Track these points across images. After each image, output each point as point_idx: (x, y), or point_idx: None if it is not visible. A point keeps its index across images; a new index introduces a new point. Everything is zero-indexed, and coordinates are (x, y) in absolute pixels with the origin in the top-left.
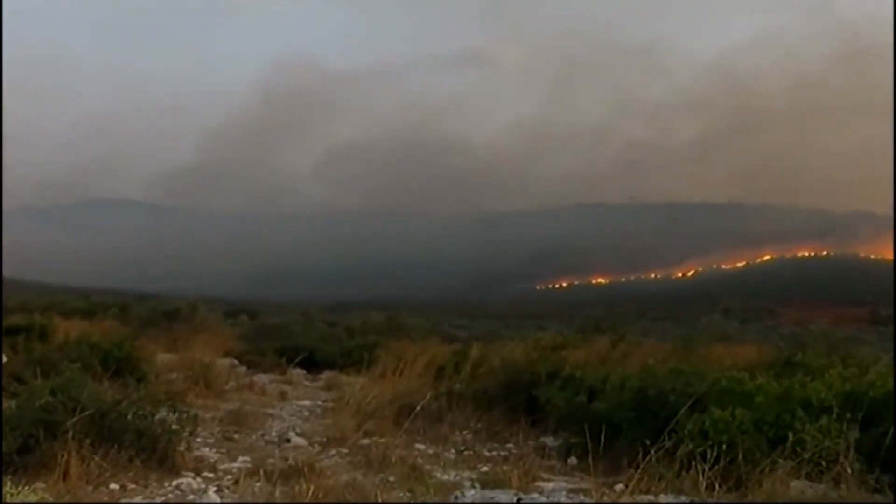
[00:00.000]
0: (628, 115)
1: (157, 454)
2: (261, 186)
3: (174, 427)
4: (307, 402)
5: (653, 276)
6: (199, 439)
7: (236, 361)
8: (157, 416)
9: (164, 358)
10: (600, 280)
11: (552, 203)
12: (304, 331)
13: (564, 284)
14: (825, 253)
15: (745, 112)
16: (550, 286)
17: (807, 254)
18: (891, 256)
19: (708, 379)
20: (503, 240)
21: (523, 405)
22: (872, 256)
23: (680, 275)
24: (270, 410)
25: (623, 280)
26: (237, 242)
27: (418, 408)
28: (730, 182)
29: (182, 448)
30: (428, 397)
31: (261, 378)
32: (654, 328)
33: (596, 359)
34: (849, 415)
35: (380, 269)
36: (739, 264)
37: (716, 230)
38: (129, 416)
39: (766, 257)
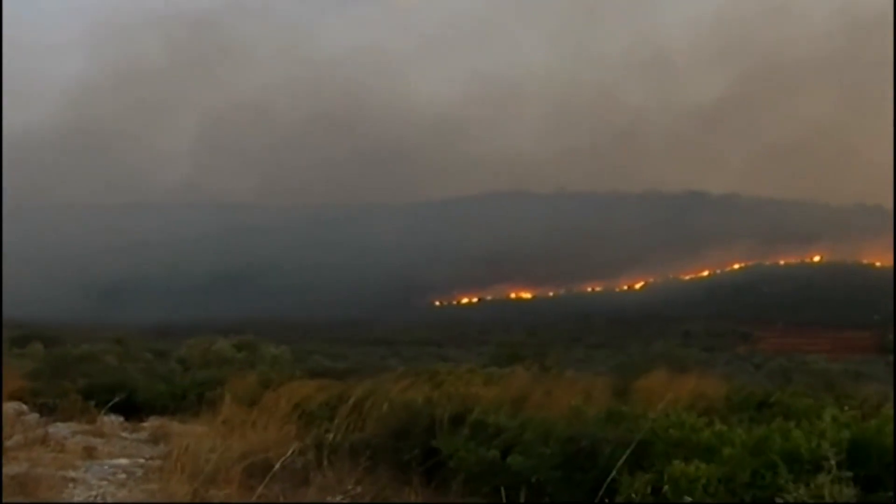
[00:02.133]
0: (601, 76)
1: None
2: (110, 167)
3: None
4: (124, 461)
5: (590, 289)
6: None
7: (24, 407)
8: None
9: None
10: (521, 295)
11: (465, 190)
12: (123, 363)
13: (474, 300)
14: (817, 259)
15: (772, 70)
16: (455, 302)
17: (792, 260)
18: None
19: (657, 425)
20: (399, 240)
21: (418, 460)
22: (878, 264)
23: (626, 287)
24: (72, 473)
25: (551, 295)
26: (47, 244)
27: (277, 466)
28: (727, 166)
29: None
30: (291, 452)
31: (59, 429)
32: (591, 357)
33: (514, 398)
34: (849, 472)
35: (235, 279)
36: (704, 274)
37: (674, 228)
38: None
39: (739, 265)
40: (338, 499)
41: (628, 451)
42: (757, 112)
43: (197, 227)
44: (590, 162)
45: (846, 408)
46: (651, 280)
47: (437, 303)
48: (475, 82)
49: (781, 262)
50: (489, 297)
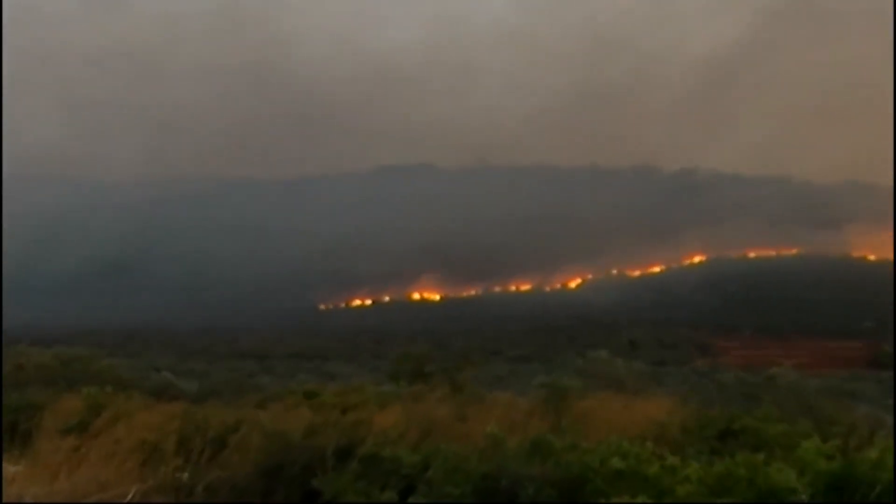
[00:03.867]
0: (588, 21)
1: None
2: None
3: None
4: None
5: (514, 288)
6: None
7: None
8: None
9: None
10: (427, 295)
11: (363, 164)
12: None
13: (368, 302)
14: (794, 252)
15: (793, 15)
16: (344, 305)
17: (765, 252)
18: None
19: (593, 457)
20: (273, 225)
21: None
22: (872, 257)
23: (559, 286)
24: None
25: (465, 295)
26: None
27: None
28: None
29: None
30: (131, 495)
31: None
32: (514, 373)
33: (417, 426)
34: None
35: (76, 277)
36: (654, 270)
37: (619, 211)
38: None
39: (698, 259)
40: None
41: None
42: (765, 66)
43: (35, 211)
44: (551, 130)
45: (832, 437)
46: (589, 277)
47: (322, 306)
48: (433, 28)
49: (751, 255)
50: (387, 299)
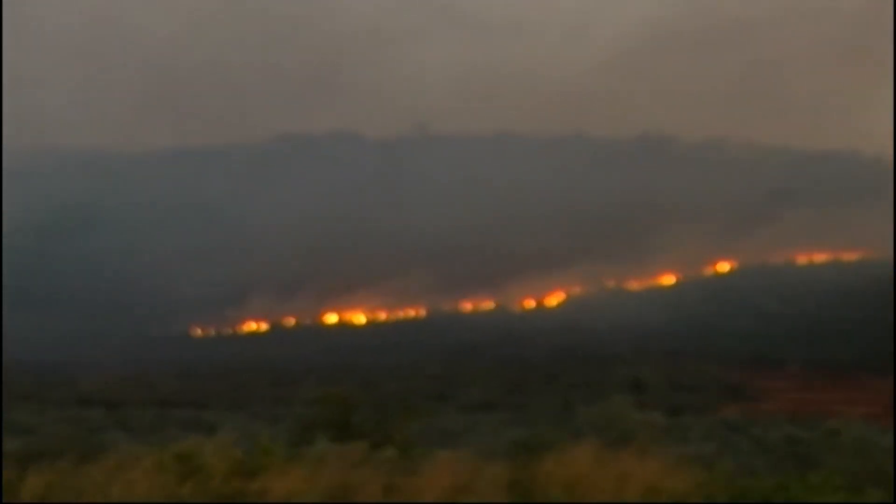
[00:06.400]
0: None
1: None
2: None
3: None
4: None
5: (471, 306)
6: None
7: None
8: None
9: None
10: (349, 317)
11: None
12: None
13: (264, 326)
14: (859, 255)
15: None
16: (232, 330)
17: (817, 258)
18: None
19: None
20: (134, 218)
21: None
22: None
23: (534, 304)
24: None
25: (401, 317)
26: None
27: None
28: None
29: None
30: None
31: None
32: (472, 425)
33: (337, 497)
34: None
35: None
36: (665, 281)
37: (615, 198)
38: None
39: (726, 266)
40: None
41: None
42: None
43: None
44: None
45: None
46: (576, 291)
47: (198, 331)
48: None
49: (799, 261)
50: (292, 322)
